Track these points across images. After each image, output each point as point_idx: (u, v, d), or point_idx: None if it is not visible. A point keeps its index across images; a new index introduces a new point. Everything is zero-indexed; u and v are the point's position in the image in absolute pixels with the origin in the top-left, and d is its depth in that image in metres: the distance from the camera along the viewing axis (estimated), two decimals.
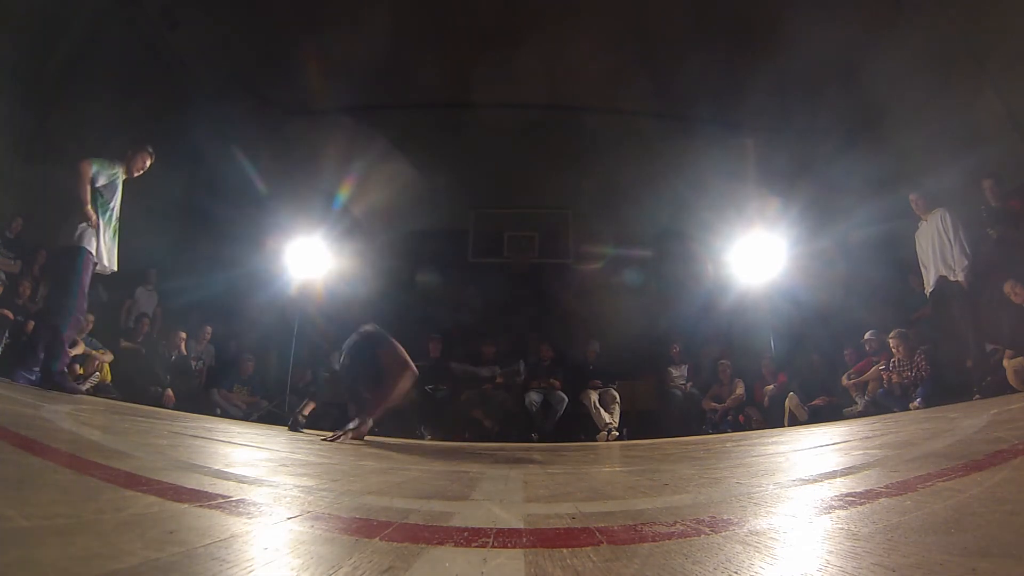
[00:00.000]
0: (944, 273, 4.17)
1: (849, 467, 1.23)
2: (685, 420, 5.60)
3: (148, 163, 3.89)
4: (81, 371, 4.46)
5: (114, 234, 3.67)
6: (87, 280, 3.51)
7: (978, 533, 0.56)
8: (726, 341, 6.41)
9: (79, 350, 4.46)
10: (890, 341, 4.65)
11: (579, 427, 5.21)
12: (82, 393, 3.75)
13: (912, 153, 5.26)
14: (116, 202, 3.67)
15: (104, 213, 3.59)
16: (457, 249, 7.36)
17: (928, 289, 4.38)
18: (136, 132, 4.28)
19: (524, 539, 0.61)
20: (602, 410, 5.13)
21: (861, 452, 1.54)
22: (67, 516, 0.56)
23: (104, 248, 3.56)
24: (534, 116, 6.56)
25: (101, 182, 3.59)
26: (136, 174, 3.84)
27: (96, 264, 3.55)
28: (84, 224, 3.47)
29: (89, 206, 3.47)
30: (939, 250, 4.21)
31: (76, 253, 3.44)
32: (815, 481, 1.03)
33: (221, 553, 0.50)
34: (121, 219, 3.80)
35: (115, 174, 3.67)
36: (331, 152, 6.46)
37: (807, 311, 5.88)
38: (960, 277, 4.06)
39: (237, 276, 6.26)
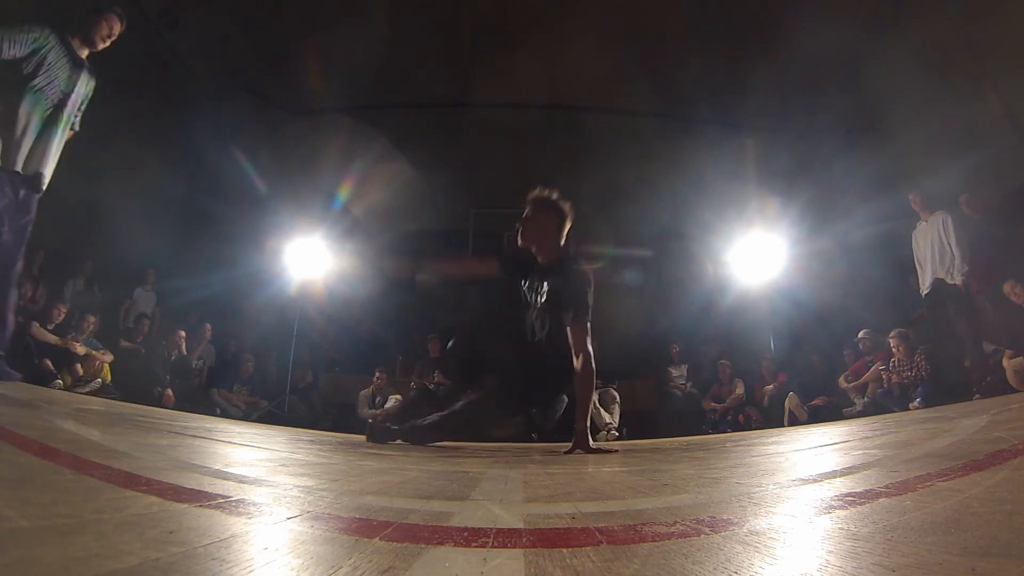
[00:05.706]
0: (941, 276, 4.16)
1: (849, 467, 1.23)
2: (685, 420, 5.59)
3: (116, 29, 2.89)
4: (82, 372, 4.47)
5: (41, 124, 2.58)
6: None
7: (978, 533, 0.56)
8: (726, 341, 6.41)
9: (79, 351, 4.47)
10: (890, 341, 4.65)
11: None
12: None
13: (912, 153, 5.26)
14: (54, 83, 2.62)
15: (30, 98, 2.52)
16: (457, 249, 7.37)
17: (924, 290, 4.37)
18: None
19: (524, 539, 0.61)
20: (602, 410, 5.12)
21: (861, 452, 1.54)
22: (67, 516, 0.56)
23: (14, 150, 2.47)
24: (534, 116, 6.56)
25: (8, 53, 2.47)
26: (101, 44, 2.86)
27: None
28: None
29: None
30: (937, 253, 4.20)
31: None
32: (815, 481, 1.03)
33: (221, 553, 0.49)
34: (88, 110, 2.84)
35: (38, 40, 2.58)
36: (331, 152, 6.47)
37: (807, 311, 5.88)
38: (958, 280, 4.05)
39: (237, 276, 6.26)
